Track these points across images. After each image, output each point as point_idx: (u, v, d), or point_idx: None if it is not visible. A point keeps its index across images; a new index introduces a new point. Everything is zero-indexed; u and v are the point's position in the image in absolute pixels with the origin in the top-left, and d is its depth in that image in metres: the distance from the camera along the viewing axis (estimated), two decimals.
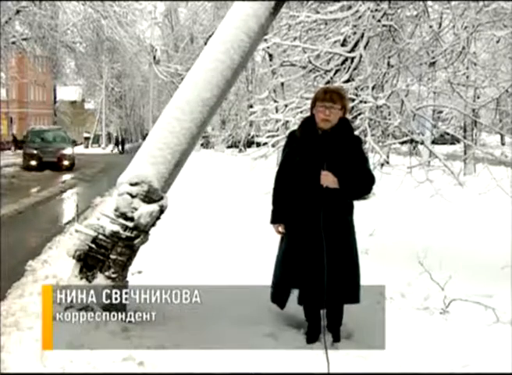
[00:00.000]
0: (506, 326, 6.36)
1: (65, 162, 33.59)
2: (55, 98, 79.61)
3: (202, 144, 43.21)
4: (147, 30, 61.72)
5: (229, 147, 42.08)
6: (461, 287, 7.43)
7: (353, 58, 10.33)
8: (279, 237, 5.89)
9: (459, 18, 10.16)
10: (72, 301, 5.43)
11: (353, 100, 10.09)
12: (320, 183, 5.49)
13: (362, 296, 5.98)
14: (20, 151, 54.19)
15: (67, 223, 12.97)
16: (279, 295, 5.83)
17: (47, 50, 40.18)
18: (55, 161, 33.12)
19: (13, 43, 37.84)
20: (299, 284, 5.68)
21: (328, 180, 5.48)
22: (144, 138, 57.18)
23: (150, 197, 5.58)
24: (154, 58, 57.02)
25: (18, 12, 35.53)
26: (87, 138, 63.87)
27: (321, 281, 5.50)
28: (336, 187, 5.48)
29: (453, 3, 10.43)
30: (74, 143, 37.86)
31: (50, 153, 33.57)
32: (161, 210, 5.65)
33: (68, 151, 34.69)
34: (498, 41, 13.33)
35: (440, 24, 11.82)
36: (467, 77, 12.54)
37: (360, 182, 5.59)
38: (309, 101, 6.21)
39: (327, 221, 5.53)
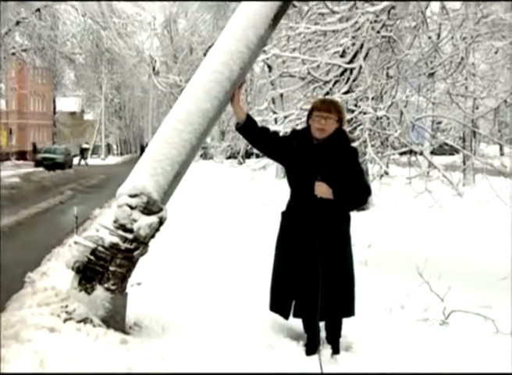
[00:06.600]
0: (506, 337, 6.36)
1: None
2: (54, 109, 79.78)
3: (201, 155, 43.26)
4: (147, 41, 62.04)
5: (228, 158, 42.16)
6: (461, 298, 7.43)
7: (352, 70, 10.35)
8: None
9: (457, 29, 10.18)
10: (71, 313, 5.43)
11: (352, 111, 10.11)
12: (314, 194, 5.50)
13: (362, 307, 5.99)
14: (19, 162, 54.42)
15: (66, 235, 12.95)
16: (279, 306, 5.83)
17: (46, 61, 40.41)
18: None
19: (13, 54, 38.03)
20: (295, 296, 5.69)
21: (322, 190, 5.49)
22: (142, 150, 57.23)
23: (149, 208, 5.58)
24: (154, 69, 57.19)
25: (18, 23, 35.70)
26: (85, 149, 63.47)
27: (316, 294, 5.49)
28: (330, 198, 5.48)
29: (451, 14, 10.45)
30: None
31: None
32: (161, 222, 5.64)
33: None
34: (496, 52, 13.35)
35: (439, 35, 11.84)
36: (466, 88, 12.54)
37: (355, 193, 5.59)
38: None
39: (322, 232, 5.54)
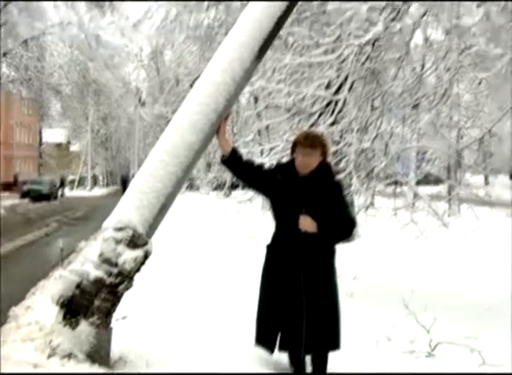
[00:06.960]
0: (492, 368, 6.34)
1: None
2: (40, 140, 79.61)
3: (187, 187, 43.22)
4: (133, 73, 62.24)
5: (214, 189, 42.11)
6: (447, 329, 7.43)
7: (337, 101, 10.40)
8: None
9: (441, 60, 10.27)
10: (55, 348, 5.37)
11: (338, 143, 10.14)
12: (299, 228, 5.49)
13: (348, 340, 5.96)
14: (5, 194, 54.15)
15: (51, 267, 12.88)
16: (265, 339, 5.79)
17: (33, 92, 40.48)
18: None
19: None
20: (280, 330, 5.65)
21: (306, 224, 5.48)
22: (123, 183, 57.16)
23: (134, 242, 5.55)
24: (140, 100, 57.31)
25: (5, 54, 35.75)
26: (71, 181, 63.51)
27: (300, 327, 5.47)
28: (314, 232, 5.48)
29: (435, 46, 10.55)
30: None
31: None
32: (146, 256, 5.61)
33: None
34: (480, 83, 13.47)
35: (423, 66, 11.93)
36: (451, 118, 12.64)
37: (340, 227, 5.59)
38: None
39: (306, 266, 5.53)
